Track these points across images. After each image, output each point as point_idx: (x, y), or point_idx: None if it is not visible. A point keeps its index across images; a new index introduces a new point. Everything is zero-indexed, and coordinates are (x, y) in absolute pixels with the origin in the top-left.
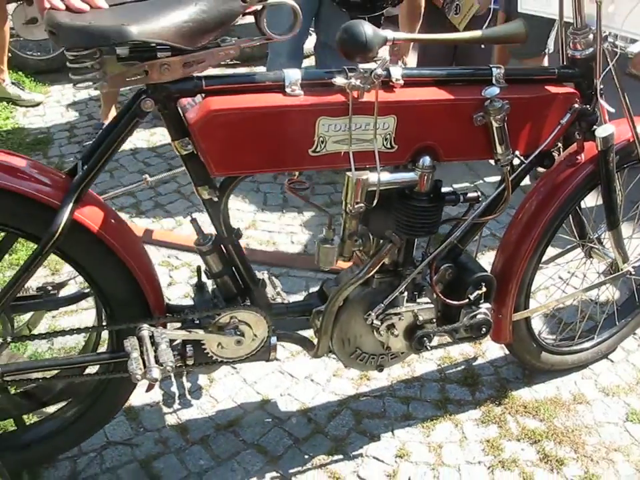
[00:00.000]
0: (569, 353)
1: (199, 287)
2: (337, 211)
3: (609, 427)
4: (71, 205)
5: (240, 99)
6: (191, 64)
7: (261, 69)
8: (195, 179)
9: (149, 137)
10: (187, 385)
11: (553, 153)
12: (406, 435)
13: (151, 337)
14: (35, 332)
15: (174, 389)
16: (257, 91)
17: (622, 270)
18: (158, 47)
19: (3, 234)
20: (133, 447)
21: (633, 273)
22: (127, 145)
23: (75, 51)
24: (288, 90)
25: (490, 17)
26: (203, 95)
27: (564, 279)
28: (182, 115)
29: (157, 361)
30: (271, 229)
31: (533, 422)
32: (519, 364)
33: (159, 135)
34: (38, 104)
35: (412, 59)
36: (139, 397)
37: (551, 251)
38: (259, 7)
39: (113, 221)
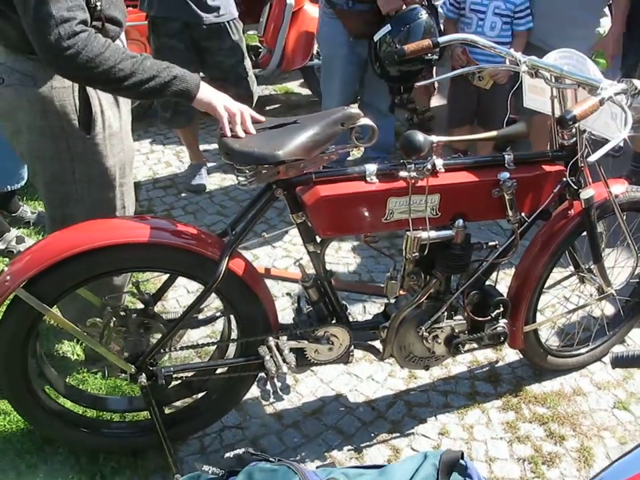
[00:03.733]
0: (569, 356)
1: (298, 309)
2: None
3: (600, 413)
4: (227, 258)
5: (338, 186)
6: (307, 166)
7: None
8: (305, 238)
9: (220, 182)
10: (278, 384)
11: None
12: (445, 418)
13: (277, 346)
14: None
15: (269, 387)
16: (347, 180)
17: (606, 292)
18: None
19: (168, 275)
20: (243, 429)
21: (616, 294)
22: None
23: (243, 166)
24: (368, 179)
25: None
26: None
27: (565, 298)
28: (299, 197)
29: (284, 361)
30: (330, 260)
31: (542, 409)
32: (531, 365)
33: (229, 180)
34: None
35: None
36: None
37: (556, 275)
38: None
39: (249, 267)
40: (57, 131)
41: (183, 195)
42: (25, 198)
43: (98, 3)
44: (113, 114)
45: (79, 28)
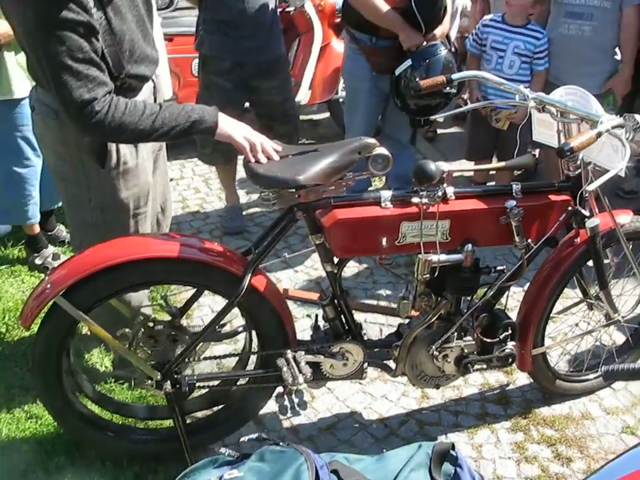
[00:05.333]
0: (578, 381)
1: (316, 327)
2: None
3: (608, 437)
4: (250, 275)
5: (354, 210)
6: (326, 190)
7: None
8: (323, 258)
9: (246, 208)
10: (296, 400)
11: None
12: (455, 437)
13: (294, 358)
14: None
15: (287, 402)
16: (363, 205)
17: (613, 319)
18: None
19: (195, 289)
20: (261, 441)
21: (622, 321)
22: None
23: (267, 189)
24: (383, 204)
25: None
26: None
27: (574, 325)
28: (318, 219)
29: (300, 372)
30: (349, 285)
31: (550, 431)
32: (540, 389)
33: (254, 207)
34: None
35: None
36: (263, 409)
37: (565, 302)
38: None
39: (270, 284)
40: (75, 159)
41: (210, 219)
42: (60, 218)
43: (123, 71)
44: (130, 151)
45: (99, 106)
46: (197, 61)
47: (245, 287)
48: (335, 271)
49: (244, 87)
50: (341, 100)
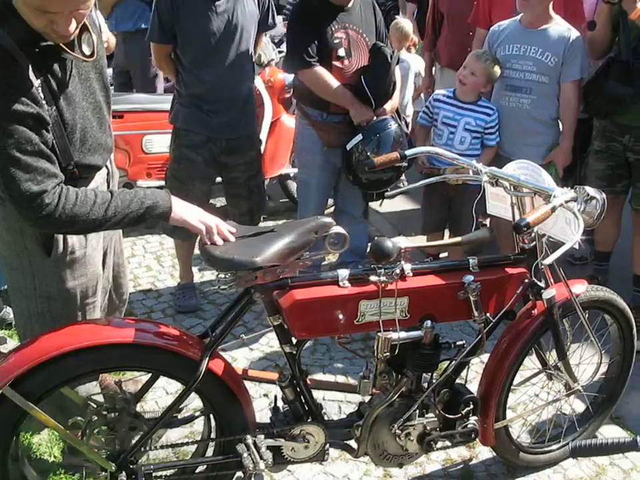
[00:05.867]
0: (541, 452)
1: (275, 408)
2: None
3: None
4: (207, 358)
5: (312, 290)
6: (283, 271)
7: (283, 221)
8: (282, 339)
9: (199, 286)
10: None
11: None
12: None
13: (254, 444)
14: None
15: None
16: (321, 284)
17: (573, 388)
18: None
19: (150, 374)
20: None
21: (582, 390)
22: None
23: (224, 271)
24: (340, 283)
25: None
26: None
27: (535, 396)
28: (276, 300)
29: (261, 458)
30: (306, 362)
31: None
32: (504, 463)
33: (207, 284)
34: None
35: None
36: None
37: (525, 373)
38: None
39: (228, 367)
40: (20, 246)
41: (163, 298)
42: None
43: (72, 162)
44: (78, 240)
45: (48, 199)
46: (147, 137)
47: (203, 372)
48: (294, 352)
49: (214, 161)
50: (292, 174)
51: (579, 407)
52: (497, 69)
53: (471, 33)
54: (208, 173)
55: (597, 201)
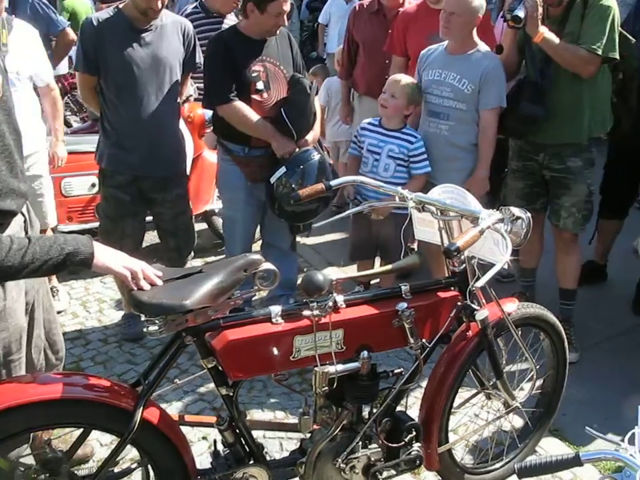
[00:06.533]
0: (485, 472)
1: (215, 453)
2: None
3: None
4: (141, 408)
5: (245, 329)
6: (214, 312)
7: (212, 259)
8: (217, 382)
9: None
10: None
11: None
12: None
13: None
14: None
15: None
16: (254, 323)
17: (512, 406)
18: None
19: (82, 429)
20: None
21: (521, 407)
22: (113, 338)
23: (153, 316)
24: (274, 320)
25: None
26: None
27: (475, 416)
28: (208, 342)
29: None
30: (243, 401)
31: None
32: None
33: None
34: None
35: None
36: None
37: (464, 394)
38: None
39: (163, 415)
40: None
41: (91, 345)
42: None
43: None
44: None
45: None
46: (66, 180)
47: (137, 423)
48: (231, 394)
49: (143, 198)
50: (217, 210)
51: (519, 423)
52: (418, 91)
53: (387, 61)
54: (138, 210)
55: (523, 221)
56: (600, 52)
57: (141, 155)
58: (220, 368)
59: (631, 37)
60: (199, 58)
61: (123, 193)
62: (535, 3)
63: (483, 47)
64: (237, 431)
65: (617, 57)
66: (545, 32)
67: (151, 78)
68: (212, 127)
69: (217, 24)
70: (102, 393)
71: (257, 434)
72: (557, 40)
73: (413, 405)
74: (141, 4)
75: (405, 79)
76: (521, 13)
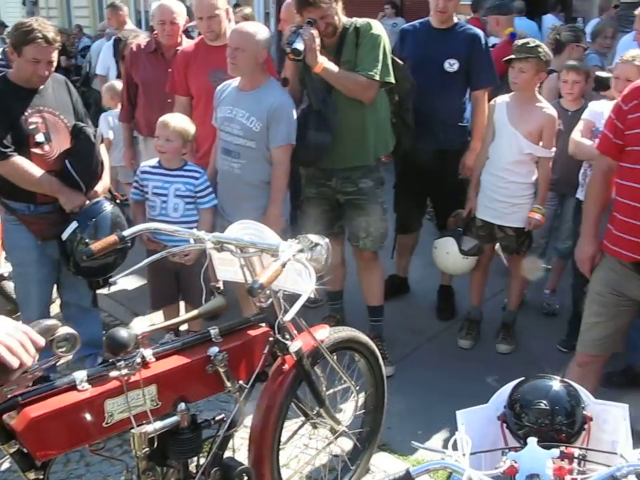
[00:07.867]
0: None
1: None
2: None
3: None
4: None
5: (48, 402)
6: (10, 390)
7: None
8: (23, 466)
9: None
10: None
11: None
12: None
13: None
14: None
15: None
16: (58, 393)
17: (338, 430)
18: None
19: None
20: None
21: (347, 430)
22: None
23: None
24: (79, 387)
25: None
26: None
27: (305, 446)
28: (7, 425)
29: None
30: (59, 477)
31: None
32: None
33: None
34: None
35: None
36: None
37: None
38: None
39: None
40: None
41: None
42: None
43: None
44: None
45: None
46: None
47: None
48: (41, 477)
49: None
50: (7, 274)
51: (348, 445)
52: (191, 129)
53: (170, 100)
54: None
55: (322, 247)
56: (378, 77)
57: None
58: (24, 450)
59: (400, 61)
60: None
61: None
62: (311, 35)
63: (272, 82)
64: None
65: (393, 80)
66: (324, 62)
67: None
68: None
69: None
70: None
71: None
72: (336, 69)
73: (240, 447)
74: None
75: (174, 120)
76: (299, 46)
